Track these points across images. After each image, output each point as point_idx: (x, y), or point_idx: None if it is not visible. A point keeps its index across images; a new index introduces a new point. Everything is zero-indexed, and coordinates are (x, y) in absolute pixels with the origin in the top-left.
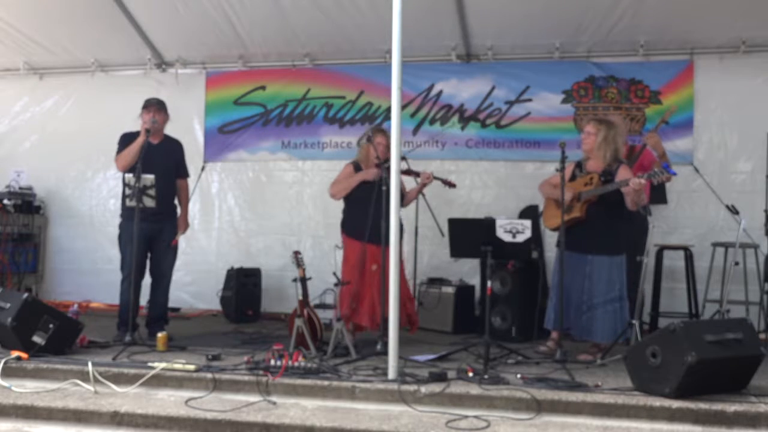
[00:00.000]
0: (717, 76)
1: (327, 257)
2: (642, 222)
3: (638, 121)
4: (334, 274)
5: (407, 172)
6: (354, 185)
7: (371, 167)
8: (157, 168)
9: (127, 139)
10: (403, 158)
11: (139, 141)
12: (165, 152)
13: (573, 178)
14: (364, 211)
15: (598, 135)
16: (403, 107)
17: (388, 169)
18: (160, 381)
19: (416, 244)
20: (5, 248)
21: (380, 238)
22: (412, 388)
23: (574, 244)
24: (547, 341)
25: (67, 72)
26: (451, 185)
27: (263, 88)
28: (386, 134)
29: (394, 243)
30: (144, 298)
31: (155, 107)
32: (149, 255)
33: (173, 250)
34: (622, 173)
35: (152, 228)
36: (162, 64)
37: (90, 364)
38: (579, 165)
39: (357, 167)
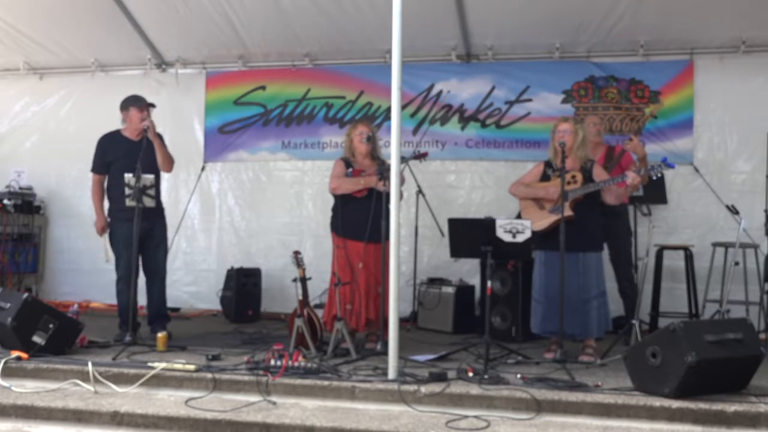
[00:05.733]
0: (717, 76)
1: (327, 257)
2: (625, 221)
3: (638, 121)
4: (335, 273)
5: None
6: (358, 188)
7: (360, 161)
8: (146, 166)
9: (105, 143)
10: (402, 158)
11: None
12: (146, 148)
13: (546, 177)
14: (351, 210)
15: (577, 134)
16: (403, 107)
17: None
18: (160, 381)
19: (416, 244)
20: (5, 248)
21: (363, 235)
22: (412, 388)
23: (566, 244)
24: (550, 346)
25: (67, 72)
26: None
27: (263, 88)
28: (367, 124)
29: (395, 243)
30: (142, 297)
31: (146, 108)
32: (143, 253)
33: (165, 245)
34: (598, 171)
35: (146, 226)
36: (162, 64)
37: (90, 364)
38: (549, 164)
39: (347, 162)
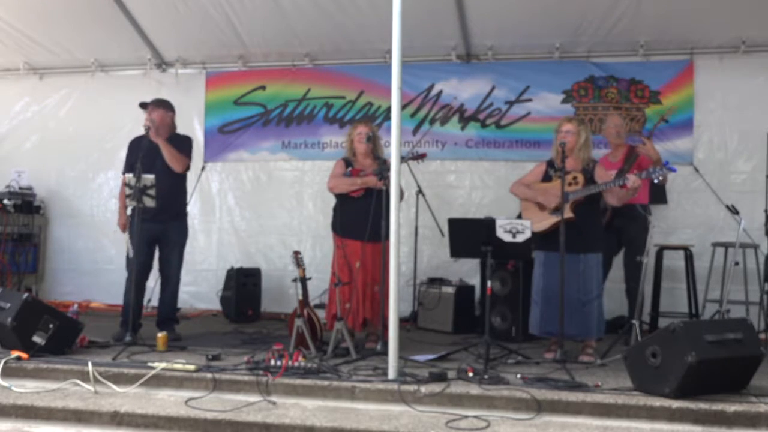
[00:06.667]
0: (717, 76)
1: (327, 257)
2: (643, 221)
3: (638, 121)
4: (335, 273)
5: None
6: (355, 188)
7: (360, 160)
8: (159, 167)
9: (133, 146)
10: (401, 158)
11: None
12: (150, 148)
13: (548, 177)
14: (348, 209)
15: (579, 135)
16: (403, 107)
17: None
18: (160, 381)
19: (416, 244)
20: (5, 248)
21: (364, 235)
22: (412, 388)
23: (567, 245)
24: (550, 346)
25: (67, 72)
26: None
27: (263, 88)
28: (367, 124)
29: (395, 242)
30: (154, 297)
31: (150, 107)
32: (158, 256)
33: (179, 251)
34: (600, 172)
35: (156, 228)
36: (162, 64)
37: (90, 364)
38: (551, 164)
39: (347, 162)
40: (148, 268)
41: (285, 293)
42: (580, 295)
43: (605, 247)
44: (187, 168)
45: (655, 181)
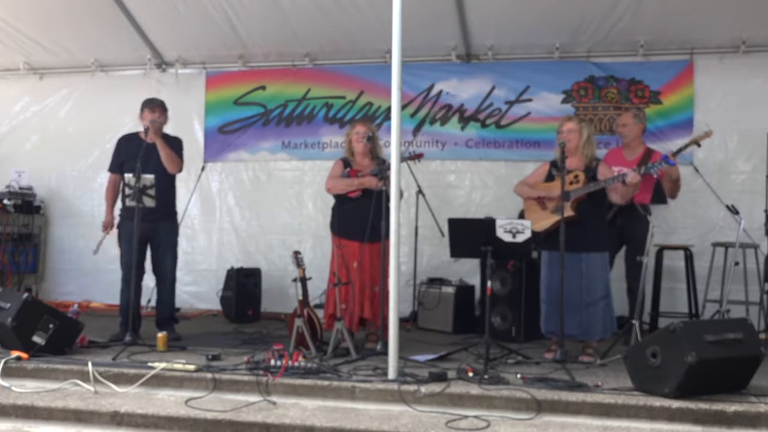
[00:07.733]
0: (717, 76)
1: (327, 257)
2: (643, 221)
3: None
4: (334, 273)
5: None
6: (352, 189)
7: (359, 161)
8: (152, 167)
9: (122, 144)
10: (402, 159)
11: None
12: (149, 148)
13: (550, 177)
14: (346, 210)
15: (581, 133)
16: (403, 107)
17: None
18: (160, 381)
19: (416, 244)
20: (5, 248)
21: (361, 235)
22: (412, 388)
23: (568, 244)
24: (551, 346)
25: (67, 72)
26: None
27: (263, 88)
28: (365, 124)
29: (395, 242)
30: (154, 298)
31: (160, 108)
32: (150, 255)
33: (172, 250)
34: (603, 170)
35: (147, 228)
36: (162, 64)
37: (90, 364)
38: (554, 164)
39: (346, 162)
40: (141, 268)
41: (285, 293)
42: (584, 295)
43: (611, 246)
44: (180, 170)
45: (655, 176)
